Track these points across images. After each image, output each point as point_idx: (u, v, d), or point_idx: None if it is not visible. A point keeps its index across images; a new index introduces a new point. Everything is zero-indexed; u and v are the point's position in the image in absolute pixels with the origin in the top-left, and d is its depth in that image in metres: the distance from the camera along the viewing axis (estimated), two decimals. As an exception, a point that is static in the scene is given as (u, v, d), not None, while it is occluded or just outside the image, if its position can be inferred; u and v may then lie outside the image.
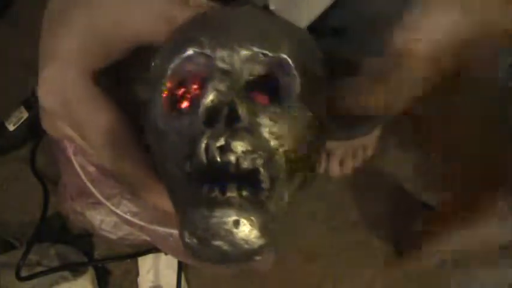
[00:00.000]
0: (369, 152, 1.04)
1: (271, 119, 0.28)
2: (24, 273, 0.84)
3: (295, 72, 0.30)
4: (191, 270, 0.97)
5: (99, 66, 0.33)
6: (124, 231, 0.80)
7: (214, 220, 0.26)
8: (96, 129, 0.32)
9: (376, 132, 1.02)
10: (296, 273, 1.01)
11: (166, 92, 0.30)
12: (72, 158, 0.52)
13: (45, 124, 0.35)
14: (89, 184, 0.55)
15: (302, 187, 0.32)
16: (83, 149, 0.37)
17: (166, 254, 0.90)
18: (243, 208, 0.26)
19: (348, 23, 0.56)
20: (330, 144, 1.00)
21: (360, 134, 0.97)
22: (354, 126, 0.90)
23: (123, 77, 0.36)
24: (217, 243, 0.26)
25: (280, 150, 0.29)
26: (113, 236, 0.80)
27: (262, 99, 0.30)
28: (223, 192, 0.26)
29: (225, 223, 0.26)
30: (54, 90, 0.32)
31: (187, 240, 0.27)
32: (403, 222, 0.97)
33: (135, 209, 0.60)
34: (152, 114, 0.31)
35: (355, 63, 0.75)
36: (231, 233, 0.26)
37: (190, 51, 0.29)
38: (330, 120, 0.95)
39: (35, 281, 0.84)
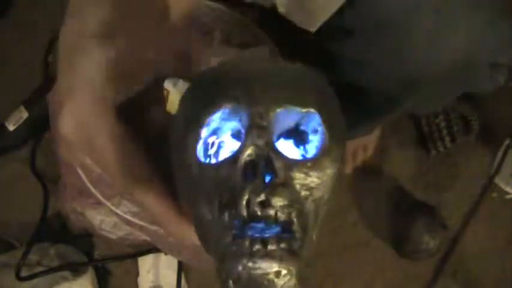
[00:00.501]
0: (369, 152, 1.04)
1: (304, 173, 0.30)
2: (24, 273, 0.84)
3: (323, 126, 0.31)
4: (191, 270, 0.97)
5: (119, 99, 0.33)
6: (124, 231, 0.80)
7: (258, 272, 0.28)
8: (118, 164, 0.32)
9: (376, 133, 1.02)
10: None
11: (200, 141, 0.32)
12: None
13: (62, 152, 0.35)
14: (89, 184, 0.55)
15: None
16: (101, 177, 0.37)
17: (166, 254, 0.90)
18: (283, 259, 0.28)
19: (356, 24, 0.56)
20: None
21: (360, 134, 0.97)
22: (354, 126, 0.90)
23: (139, 102, 0.37)
24: None
25: (310, 199, 0.31)
26: (113, 236, 0.80)
27: (289, 149, 0.32)
28: (265, 245, 0.28)
29: (267, 274, 0.28)
30: (74, 122, 0.32)
31: (230, 286, 0.29)
32: (403, 222, 0.97)
33: (135, 209, 0.60)
34: (184, 159, 0.32)
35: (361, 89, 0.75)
36: (273, 283, 0.28)
37: (226, 105, 0.31)
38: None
39: (35, 281, 0.84)
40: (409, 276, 1.02)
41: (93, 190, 0.55)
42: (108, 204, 0.59)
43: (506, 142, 0.99)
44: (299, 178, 0.30)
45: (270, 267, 0.28)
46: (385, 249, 1.02)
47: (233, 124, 0.31)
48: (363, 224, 1.04)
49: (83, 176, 0.52)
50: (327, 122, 0.32)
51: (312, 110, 0.31)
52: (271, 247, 0.28)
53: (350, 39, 0.59)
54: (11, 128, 0.98)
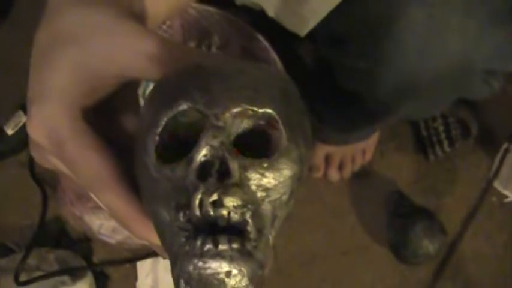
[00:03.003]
0: (368, 157, 1.04)
1: (259, 173, 0.31)
2: (23, 277, 0.83)
3: (281, 127, 0.31)
4: (190, 275, 0.97)
5: (87, 103, 0.34)
6: (123, 235, 0.80)
7: (208, 271, 0.29)
8: (86, 169, 0.33)
9: (374, 137, 1.02)
10: (294, 278, 1.01)
11: (158, 142, 0.32)
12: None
13: (35, 155, 0.36)
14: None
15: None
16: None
17: (164, 258, 0.90)
18: (234, 259, 0.29)
19: (347, 32, 0.56)
20: (329, 149, 1.01)
21: (358, 139, 0.97)
22: (352, 131, 0.90)
23: (108, 108, 0.37)
24: None
25: (266, 200, 0.31)
26: (111, 240, 0.81)
27: (250, 151, 0.32)
28: (215, 245, 0.29)
29: (218, 274, 0.29)
30: (43, 128, 0.32)
31: (181, 286, 0.30)
32: (402, 227, 0.97)
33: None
34: (144, 161, 0.32)
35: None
36: (224, 282, 0.29)
37: (183, 106, 0.31)
38: (324, 124, 0.94)
39: (33, 286, 0.84)
40: (408, 281, 1.02)
41: (92, 194, 0.55)
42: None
43: (505, 146, 0.99)
44: (255, 179, 0.30)
45: (220, 266, 0.29)
46: (384, 253, 1.02)
47: (190, 124, 0.32)
48: (361, 229, 1.04)
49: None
50: (286, 123, 0.32)
51: (269, 110, 0.31)
52: (222, 247, 0.29)
53: (342, 46, 0.59)
54: (10, 132, 0.98)
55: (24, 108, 0.98)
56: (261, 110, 0.31)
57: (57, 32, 0.33)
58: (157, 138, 0.32)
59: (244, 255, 0.29)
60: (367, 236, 1.03)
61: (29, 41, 0.36)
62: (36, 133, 0.33)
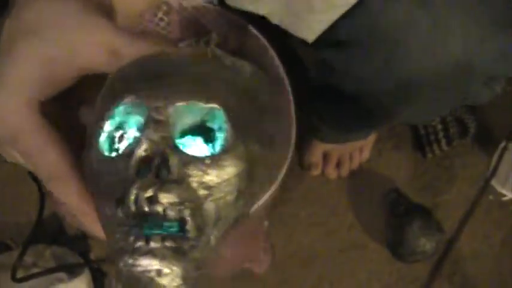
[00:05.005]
0: (366, 155, 1.04)
1: (201, 170, 0.29)
2: (20, 274, 0.83)
3: (226, 123, 0.30)
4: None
5: (45, 95, 0.33)
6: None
7: (138, 269, 0.28)
8: (41, 162, 0.33)
9: (373, 136, 1.02)
10: (292, 276, 1.01)
11: (102, 135, 0.31)
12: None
13: None
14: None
15: (231, 230, 0.33)
16: None
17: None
18: (165, 258, 0.28)
19: (351, 36, 0.56)
20: (327, 147, 1.01)
21: (356, 139, 0.97)
22: (351, 129, 0.90)
23: (70, 103, 0.37)
24: None
25: (209, 199, 0.30)
26: (108, 238, 0.80)
27: (196, 146, 0.31)
28: (147, 242, 0.28)
29: (148, 272, 0.28)
30: (0, 120, 0.33)
31: (116, 282, 0.29)
32: (399, 225, 0.97)
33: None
34: (90, 155, 0.32)
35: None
36: (154, 281, 0.28)
37: (127, 99, 0.30)
38: (323, 123, 0.94)
39: (30, 283, 0.84)
40: (405, 279, 1.02)
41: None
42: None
43: (503, 145, 0.99)
44: (196, 175, 0.29)
45: (150, 264, 0.28)
46: (381, 252, 1.02)
47: (137, 118, 0.31)
48: (358, 227, 1.04)
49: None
50: (233, 119, 0.31)
51: (216, 106, 0.30)
52: (154, 245, 0.28)
53: (344, 50, 0.58)
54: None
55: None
56: (207, 105, 0.30)
57: (23, 22, 0.33)
58: (101, 131, 0.31)
59: (178, 254, 0.28)
60: (365, 234, 1.03)
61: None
62: None
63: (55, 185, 0.34)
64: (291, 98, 0.44)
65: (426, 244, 0.94)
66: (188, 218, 0.29)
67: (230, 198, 0.31)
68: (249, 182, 0.31)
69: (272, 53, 0.47)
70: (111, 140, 0.32)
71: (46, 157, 0.33)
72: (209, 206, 0.30)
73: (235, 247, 0.61)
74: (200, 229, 0.29)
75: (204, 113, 0.31)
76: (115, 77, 0.33)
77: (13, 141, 0.33)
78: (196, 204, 0.29)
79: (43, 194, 0.93)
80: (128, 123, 0.31)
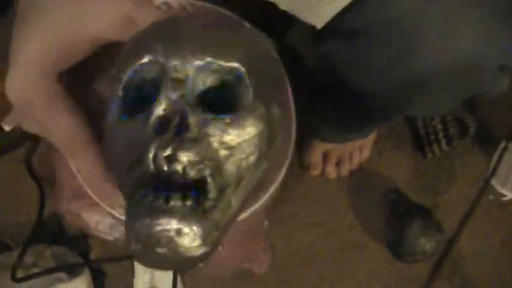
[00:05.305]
0: (366, 155, 1.04)
1: (221, 129, 0.29)
2: (20, 274, 0.83)
3: (247, 83, 0.30)
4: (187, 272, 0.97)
5: (62, 66, 0.34)
6: (120, 232, 0.80)
7: (157, 228, 0.27)
8: (57, 131, 0.34)
9: (373, 135, 1.02)
10: (292, 276, 1.01)
11: (120, 97, 0.31)
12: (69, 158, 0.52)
13: (14, 116, 0.37)
14: (84, 185, 0.55)
15: (256, 193, 0.32)
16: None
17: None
18: (185, 217, 0.27)
19: (362, 26, 0.55)
20: (327, 147, 1.01)
21: (358, 137, 0.97)
22: (351, 129, 0.90)
23: (87, 74, 0.37)
24: (161, 250, 0.27)
25: (230, 160, 0.29)
26: (109, 237, 0.80)
27: (216, 108, 0.31)
28: (167, 201, 0.27)
29: (167, 231, 0.27)
30: (17, 91, 0.33)
31: (133, 245, 0.28)
32: (399, 225, 0.97)
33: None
34: (107, 120, 0.32)
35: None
36: (173, 241, 0.27)
37: (144, 59, 0.30)
38: (323, 123, 0.94)
39: (30, 282, 0.84)
40: (405, 279, 1.02)
41: (89, 191, 0.55)
42: (104, 205, 0.58)
43: (502, 145, 0.99)
44: (216, 135, 0.29)
45: (169, 223, 0.27)
46: (381, 252, 1.02)
47: (155, 79, 0.30)
48: (358, 227, 1.04)
49: (79, 177, 0.51)
50: (254, 79, 0.30)
51: (236, 65, 0.30)
52: (174, 203, 0.27)
53: (352, 41, 0.58)
54: (7, 128, 0.97)
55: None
56: (227, 64, 0.30)
57: (34, 1, 0.34)
58: (119, 93, 0.31)
59: (198, 213, 0.28)
60: (365, 234, 1.03)
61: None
62: (11, 94, 0.34)
63: (71, 154, 0.34)
64: (291, 97, 0.44)
65: (426, 244, 0.94)
66: (208, 178, 0.28)
67: (251, 159, 0.30)
68: (270, 145, 0.31)
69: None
70: (128, 102, 0.31)
71: (61, 127, 0.33)
72: (231, 167, 0.29)
73: (235, 247, 0.61)
74: (221, 190, 0.29)
75: (223, 72, 0.30)
76: (132, 40, 0.33)
77: (29, 110, 0.33)
78: (216, 164, 0.29)
79: (43, 194, 0.94)
80: (146, 85, 0.31)
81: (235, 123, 0.29)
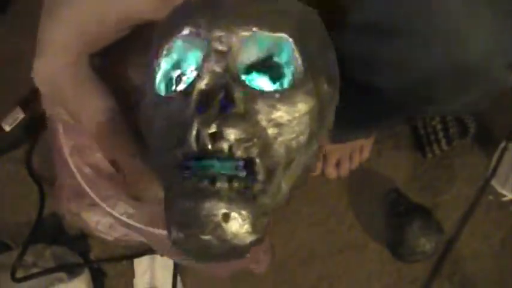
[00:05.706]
0: (365, 155, 1.04)
1: (269, 105, 0.26)
2: (19, 274, 0.83)
3: (296, 55, 0.28)
4: (187, 272, 0.97)
5: (94, 48, 0.33)
6: (120, 232, 0.80)
7: (203, 212, 0.25)
8: (87, 116, 0.33)
9: (373, 136, 1.02)
10: (292, 275, 1.01)
11: (159, 74, 0.29)
12: (68, 158, 0.52)
13: (45, 106, 0.36)
14: (84, 185, 0.55)
15: (303, 179, 0.29)
16: (81, 146, 0.37)
17: (162, 255, 0.90)
18: (233, 201, 0.25)
19: (382, 18, 0.54)
20: (327, 147, 1.00)
21: (358, 137, 0.97)
22: (351, 129, 0.90)
23: (119, 60, 0.36)
24: (206, 237, 0.25)
25: (279, 139, 0.27)
26: (109, 237, 0.80)
27: (262, 83, 0.29)
28: (213, 183, 0.25)
29: (214, 216, 0.24)
30: (46, 77, 0.33)
31: (173, 233, 0.25)
32: (399, 225, 0.97)
33: (131, 211, 0.60)
34: (144, 102, 0.29)
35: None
36: (221, 226, 0.24)
37: (185, 31, 0.28)
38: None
39: (30, 282, 0.84)
40: (405, 279, 1.02)
41: (89, 191, 0.55)
42: (104, 205, 0.58)
43: (503, 145, 0.99)
44: (264, 111, 0.26)
45: (215, 207, 0.24)
46: (381, 251, 1.02)
47: (196, 53, 0.28)
48: (358, 227, 1.04)
49: (78, 177, 0.51)
50: (303, 51, 0.28)
51: (284, 35, 0.27)
52: (220, 185, 0.25)
53: (368, 35, 0.57)
54: (7, 128, 0.98)
55: (22, 104, 0.98)
56: (275, 35, 0.27)
57: None
58: (158, 70, 0.29)
59: (246, 197, 0.25)
60: (365, 234, 1.03)
61: (27, 37, 0.36)
62: (40, 82, 0.33)
63: (100, 139, 0.33)
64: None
65: (426, 244, 0.94)
66: (257, 158, 0.26)
67: (302, 139, 0.27)
68: (321, 124, 0.28)
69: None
70: (168, 80, 0.29)
71: (90, 113, 0.32)
72: (280, 147, 0.27)
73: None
74: (270, 171, 0.26)
75: (270, 44, 0.28)
76: (169, 14, 0.30)
77: (58, 96, 0.33)
78: (265, 143, 0.26)
79: (43, 194, 0.94)
80: (187, 60, 0.29)
81: (284, 99, 0.27)
